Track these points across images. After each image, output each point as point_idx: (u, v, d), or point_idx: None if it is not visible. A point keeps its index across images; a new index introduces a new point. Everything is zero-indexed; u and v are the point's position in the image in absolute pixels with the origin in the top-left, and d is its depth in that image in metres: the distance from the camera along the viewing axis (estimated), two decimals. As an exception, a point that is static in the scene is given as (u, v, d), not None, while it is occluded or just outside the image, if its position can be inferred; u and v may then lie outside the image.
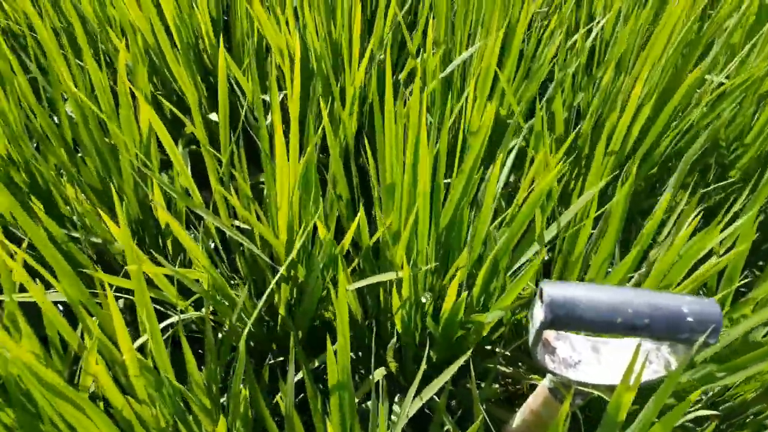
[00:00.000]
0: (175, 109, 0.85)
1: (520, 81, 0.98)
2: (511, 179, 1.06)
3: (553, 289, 0.50)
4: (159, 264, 0.98)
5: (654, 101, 0.89)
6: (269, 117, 1.03)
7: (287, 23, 0.99)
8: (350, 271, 0.86)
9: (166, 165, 1.10)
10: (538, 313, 0.50)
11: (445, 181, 0.97)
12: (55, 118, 1.05)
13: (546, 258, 0.99)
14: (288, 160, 0.74)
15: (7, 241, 0.76)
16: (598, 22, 1.03)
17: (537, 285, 0.76)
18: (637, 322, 0.49)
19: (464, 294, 0.68)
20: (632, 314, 0.49)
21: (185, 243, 0.71)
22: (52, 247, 0.67)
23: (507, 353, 0.91)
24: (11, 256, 0.86)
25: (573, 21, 1.15)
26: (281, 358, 0.99)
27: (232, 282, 1.01)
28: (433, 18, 1.13)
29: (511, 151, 0.84)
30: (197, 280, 0.82)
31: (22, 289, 0.94)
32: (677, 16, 0.90)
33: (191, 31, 1.03)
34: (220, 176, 0.88)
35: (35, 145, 1.07)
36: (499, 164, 0.69)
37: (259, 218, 0.93)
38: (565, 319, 0.49)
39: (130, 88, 0.82)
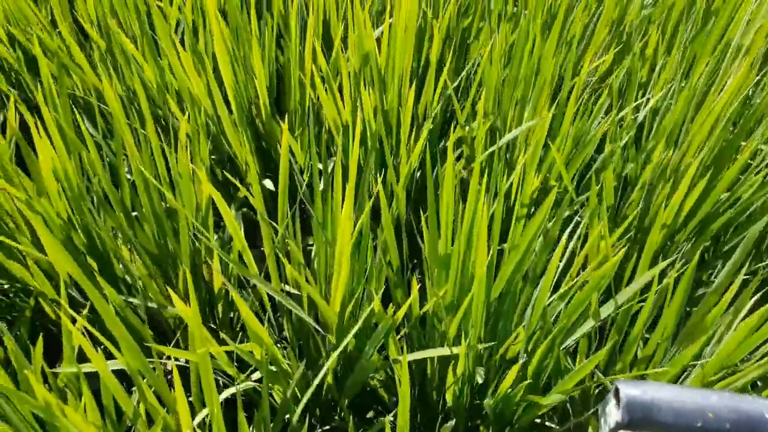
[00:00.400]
0: (232, 178, 0.88)
1: (569, 152, 0.99)
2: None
3: (630, 390, 0.49)
4: (211, 328, 0.99)
5: (708, 177, 0.89)
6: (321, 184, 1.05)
7: (341, 93, 1.02)
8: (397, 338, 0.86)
9: (217, 224, 1.13)
10: (614, 414, 0.49)
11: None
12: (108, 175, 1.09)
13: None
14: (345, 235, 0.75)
15: (68, 306, 0.78)
16: (647, 101, 1.04)
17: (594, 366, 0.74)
18: (717, 428, 0.48)
19: (525, 383, 0.67)
20: (713, 420, 0.48)
21: (252, 325, 0.71)
22: (117, 319, 0.68)
23: (559, 429, 0.89)
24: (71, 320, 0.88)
25: (619, 88, 1.16)
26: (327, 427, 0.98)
27: (278, 345, 1.02)
28: (480, 86, 1.15)
29: (567, 223, 0.84)
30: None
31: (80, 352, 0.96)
32: (727, 97, 0.91)
33: (246, 98, 1.07)
34: (274, 244, 0.90)
35: (90, 199, 1.11)
36: (560, 250, 0.69)
37: (307, 281, 0.94)
38: (642, 421, 0.48)
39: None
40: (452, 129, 1.29)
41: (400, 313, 0.76)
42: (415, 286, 0.74)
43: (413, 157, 0.83)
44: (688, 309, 1.07)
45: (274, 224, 0.91)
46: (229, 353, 1.00)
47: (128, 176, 1.06)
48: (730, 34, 1.18)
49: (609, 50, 1.15)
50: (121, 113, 0.85)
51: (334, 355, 0.69)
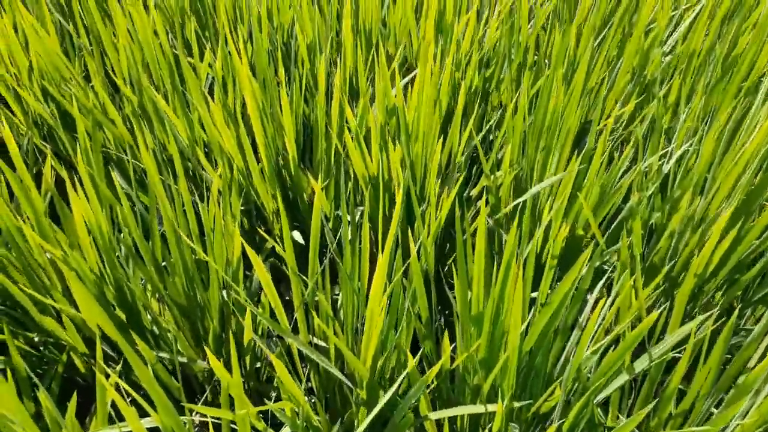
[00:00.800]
0: (263, 233, 0.89)
1: (595, 201, 0.99)
2: (590, 296, 1.05)
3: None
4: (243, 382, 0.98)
5: (738, 227, 0.89)
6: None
7: (368, 144, 1.04)
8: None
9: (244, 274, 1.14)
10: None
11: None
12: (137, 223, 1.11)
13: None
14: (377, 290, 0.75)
15: (102, 363, 0.78)
16: (672, 151, 1.05)
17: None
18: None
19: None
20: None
21: (289, 387, 0.72)
22: (153, 380, 0.68)
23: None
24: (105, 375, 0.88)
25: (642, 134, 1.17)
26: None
27: (307, 398, 1.01)
28: (503, 133, 1.17)
29: (598, 275, 0.84)
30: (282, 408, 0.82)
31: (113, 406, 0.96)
32: (755, 145, 0.91)
33: (273, 149, 1.09)
34: (304, 297, 0.90)
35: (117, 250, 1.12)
36: (596, 316, 0.69)
37: (335, 333, 0.94)
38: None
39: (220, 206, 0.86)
40: (476, 171, 1.30)
41: (433, 372, 0.76)
42: (448, 348, 0.74)
43: (442, 214, 0.84)
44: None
45: (304, 277, 0.91)
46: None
47: (159, 227, 1.08)
48: (752, 79, 1.19)
49: (631, 97, 1.16)
50: (155, 170, 0.87)
51: (368, 419, 0.69)
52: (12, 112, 1.31)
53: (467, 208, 1.14)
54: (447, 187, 1.08)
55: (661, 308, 0.94)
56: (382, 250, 0.86)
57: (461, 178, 0.86)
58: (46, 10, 1.23)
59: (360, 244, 1.17)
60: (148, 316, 1.02)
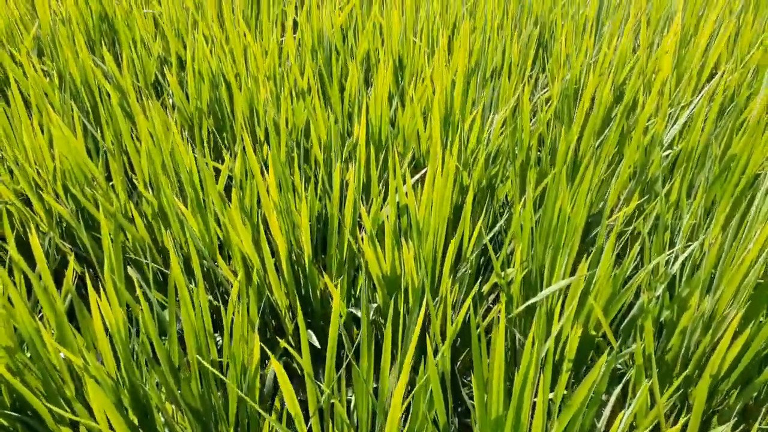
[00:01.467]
0: (279, 339, 0.90)
1: (605, 301, 1.01)
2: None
3: None
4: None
5: (749, 329, 0.90)
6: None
7: (381, 242, 1.06)
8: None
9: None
10: None
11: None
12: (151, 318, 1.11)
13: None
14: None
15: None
16: (676, 254, 1.07)
17: None
18: None
19: None
20: None
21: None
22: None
23: None
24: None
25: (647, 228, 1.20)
26: None
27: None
28: (512, 231, 1.20)
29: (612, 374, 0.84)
30: None
31: None
32: (758, 247, 0.94)
33: (287, 250, 1.11)
34: (319, 403, 0.90)
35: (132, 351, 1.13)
36: (617, 424, 0.70)
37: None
38: None
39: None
40: (484, 262, 1.32)
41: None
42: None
43: (458, 319, 0.85)
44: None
45: (319, 383, 0.92)
46: None
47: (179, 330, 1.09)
48: (749, 175, 1.23)
49: (634, 193, 1.20)
50: (181, 277, 0.89)
51: None
52: (33, 209, 1.35)
53: (479, 303, 1.15)
54: (458, 284, 1.10)
55: (679, 413, 0.94)
56: (398, 349, 0.87)
57: (472, 275, 0.87)
58: (73, 112, 1.30)
59: (373, 344, 1.17)
60: (162, 418, 1.01)
